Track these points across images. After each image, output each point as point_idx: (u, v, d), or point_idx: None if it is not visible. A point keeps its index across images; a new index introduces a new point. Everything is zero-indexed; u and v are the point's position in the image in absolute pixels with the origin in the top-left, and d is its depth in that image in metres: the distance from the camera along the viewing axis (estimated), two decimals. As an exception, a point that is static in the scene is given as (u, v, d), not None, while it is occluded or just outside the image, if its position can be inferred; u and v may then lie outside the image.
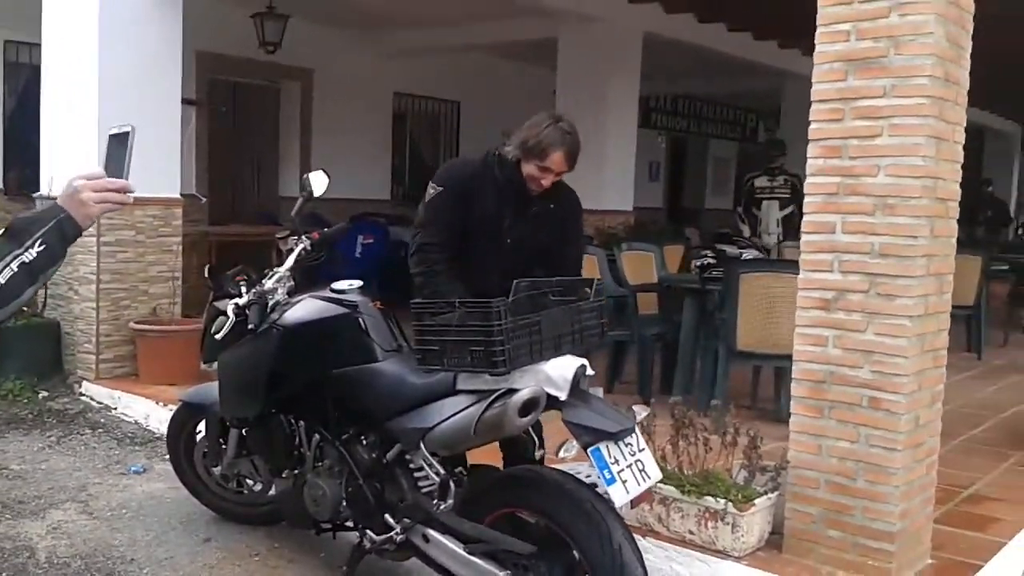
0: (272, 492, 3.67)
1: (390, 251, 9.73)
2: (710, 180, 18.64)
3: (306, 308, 3.28)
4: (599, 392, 2.98)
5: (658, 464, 3.22)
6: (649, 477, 2.79)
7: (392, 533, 3.13)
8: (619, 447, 2.74)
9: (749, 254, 6.29)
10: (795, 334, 3.40)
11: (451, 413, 2.85)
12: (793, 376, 3.41)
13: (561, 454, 2.72)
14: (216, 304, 3.45)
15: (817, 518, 3.35)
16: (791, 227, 8.17)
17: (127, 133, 1.82)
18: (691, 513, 3.46)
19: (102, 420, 5.48)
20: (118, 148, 1.82)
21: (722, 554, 3.40)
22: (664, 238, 8.50)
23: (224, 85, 10.68)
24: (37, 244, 1.73)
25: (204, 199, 8.00)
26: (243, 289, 3.34)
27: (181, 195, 6.49)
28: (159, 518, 4.03)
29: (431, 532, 3.06)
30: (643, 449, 2.81)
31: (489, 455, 3.21)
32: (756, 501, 3.39)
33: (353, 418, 3.25)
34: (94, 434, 5.22)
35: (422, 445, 2.95)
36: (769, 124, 16.88)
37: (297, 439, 3.43)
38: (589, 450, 2.68)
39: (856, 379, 3.25)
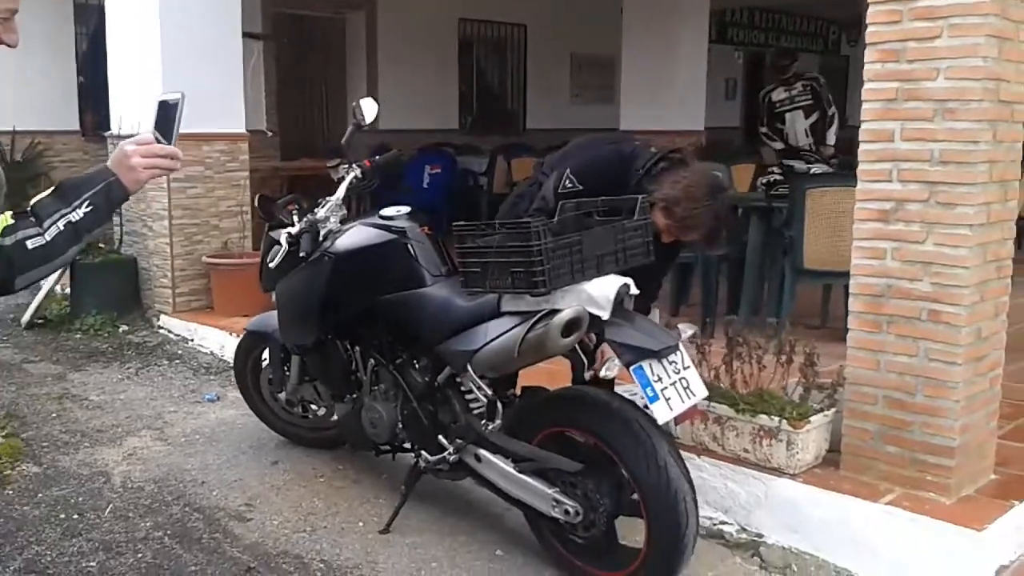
0: (335, 416, 3.78)
1: (457, 180, 9.76)
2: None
3: (355, 235, 3.31)
4: (687, 330, 2.95)
5: (709, 383, 3.22)
6: (694, 394, 2.78)
7: (445, 454, 3.20)
8: (663, 365, 2.73)
9: (817, 169, 6.09)
10: (853, 247, 3.31)
11: (495, 335, 2.88)
12: (851, 291, 3.33)
13: (603, 373, 2.73)
14: (271, 234, 3.51)
15: (875, 434, 3.30)
16: (820, 135, 7.63)
17: (177, 101, 1.85)
18: (745, 431, 3.44)
19: (179, 352, 5.69)
20: (167, 114, 1.85)
21: (777, 472, 3.38)
22: (739, 158, 8.28)
23: (289, 18, 10.71)
24: (85, 205, 1.76)
25: (271, 133, 8.08)
26: (295, 218, 3.39)
27: (247, 131, 6.58)
28: (230, 443, 4.19)
29: (483, 452, 3.12)
30: (688, 367, 2.80)
31: (546, 377, 3.23)
32: (811, 418, 3.35)
33: (405, 342, 3.31)
34: (171, 365, 5.42)
35: (469, 367, 2.99)
36: (851, 36, 16.24)
37: (354, 364, 3.51)
38: (631, 368, 2.67)
39: (915, 292, 3.15)
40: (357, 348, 3.47)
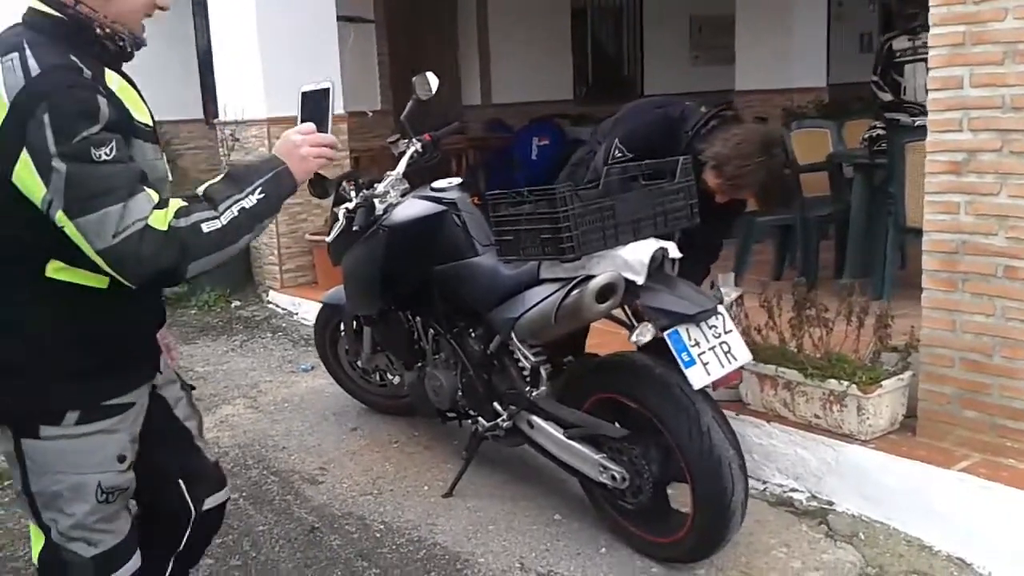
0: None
1: (567, 151, 9.69)
2: (929, 48, 17.05)
3: (407, 208, 3.37)
4: (732, 293, 2.88)
5: (777, 347, 3.12)
6: (736, 359, 2.70)
7: (499, 420, 3.23)
8: (701, 329, 2.67)
9: (922, 122, 5.72)
10: (924, 202, 3.13)
11: (535, 302, 2.88)
12: (924, 248, 3.16)
13: (633, 338, 2.68)
14: (333, 209, 3.61)
15: (952, 398, 3.12)
16: None
17: (327, 90, 1.87)
18: (815, 397, 3.32)
19: (283, 325, 5.93)
20: (316, 104, 1.86)
21: (848, 438, 3.25)
22: (864, 114, 7.87)
23: (401, -1, 10.88)
24: (257, 191, 1.71)
25: (371, 113, 8.24)
26: (352, 194, 3.47)
27: (347, 112, 6.75)
28: (316, 411, 4.35)
29: (535, 418, 3.13)
30: (731, 331, 2.73)
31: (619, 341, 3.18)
32: (883, 383, 3.20)
33: (460, 312, 3.34)
34: (274, 337, 5.66)
35: (512, 335, 3.00)
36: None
37: (416, 334, 3.58)
38: (666, 333, 2.63)
39: (990, 247, 2.95)
40: (418, 318, 3.54)
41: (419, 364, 3.61)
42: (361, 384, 4.24)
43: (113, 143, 1.64)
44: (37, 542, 1.95)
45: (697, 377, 2.61)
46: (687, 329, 2.64)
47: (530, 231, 2.73)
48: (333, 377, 4.35)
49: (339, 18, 6.73)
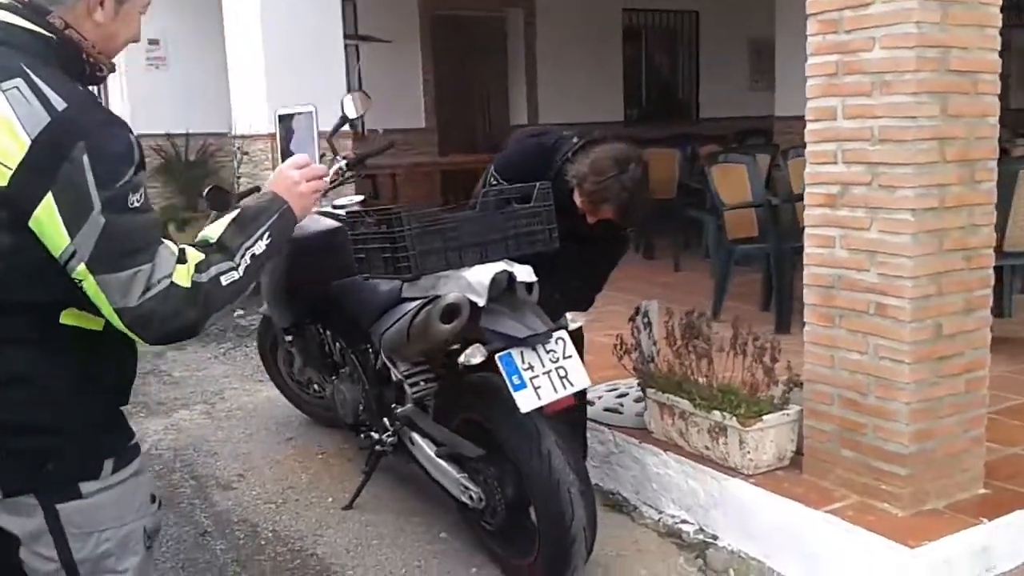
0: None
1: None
2: (1014, 76, 16.40)
3: (308, 224, 3.47)
4: (577, 320, 2.90)
5: (676, 376, 3.12)
6: (572, 384, 2.72)
7: (384, 435, 3.31)
8: (538, 353, 2.70)
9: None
10: (804, 234, 3.09)
11: (394, 320, 2.95)
12: (804, 281, 3.11)
13: (461, 359, 2.72)
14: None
15: (832, 436, 3.06)
16: None
17: (310, 113, 1.88)
18: (704, 428, 3.29)
19: (273, 335, 6.12)
20: (299, 128, 1.86)
21: (733, 472, 3.21)
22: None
23: (448, 20, 11.09)
24: (265, 236, 1.64)
25: (381, 131, 8.43)
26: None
27: (362, 131, 6.94)
28: (261, 419, 4.50)
29: (414, 435, 3.20)
30: (570, 356, 2.75)
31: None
32: (765, 417, 3.15)
33: (356, 326, 3.43)
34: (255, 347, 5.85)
35: (381, 351, 3.08)
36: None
37: (327, 347, 3.69)
38: (497, 356, 2.66)
39: (862, 283, 2.89)
40: (328, 332, 3.64)
41: (333, 377, 3.72)
42: (300, 395, 4.36)
43: (143, 188, 1.52)
44: None
45: (525, 400, 2.63)
46: (521, 352, 2.67)
47: (375, 250, 2.80)
48: (277, 387, 4.49)
49: (352, 37, 6.95)
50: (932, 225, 2.77)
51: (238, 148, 6.67)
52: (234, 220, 1.64)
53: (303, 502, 3.59)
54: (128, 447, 1.71)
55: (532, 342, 2.66)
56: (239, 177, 6.50)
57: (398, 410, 3.12)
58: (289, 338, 3.93)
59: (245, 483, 3.77)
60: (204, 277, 1.53)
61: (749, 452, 3.15)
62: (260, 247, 1.63)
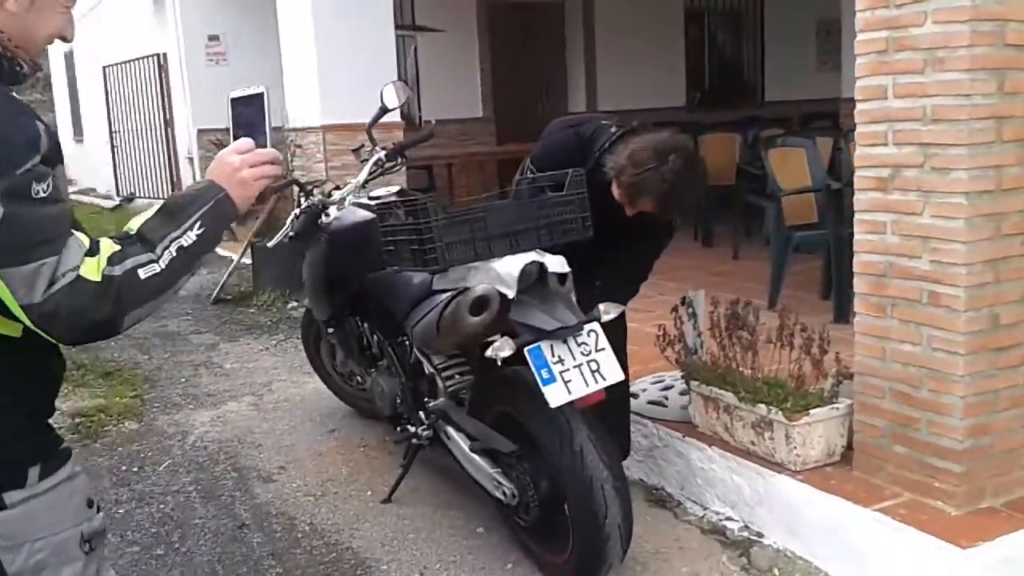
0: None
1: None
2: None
3: (345, 216, 3.44)
4: (610, 311, 2.77)
5: (721, 367, 3.01)
6: (604, 378, 2.63)
7: (420, 428, 3.26)
8: (568, 346, 2.61)
9: None
10: (855, 220, 2.94)
11: (424, 313, 2.89)
12: (855, 269, 2.96)
13: (489, 353, 2.64)
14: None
15: (884, 432, 2.91)
16: None
17: (260, 95, 1.72)
18: (749, 422, 3.17)
19: (324, 326, 6.13)
20: (250, 112, 1.69)
21: (780, 467, 3.08)
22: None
23: (505, 7, 11.01)
24: (196, 227, 1.51)
25: (433, 122, 8.38)
26: (301, 200, 3.58)
27: (406, 120, 6.91)
28: (306, 411, 4.50)
29: (449, 428, 3.14)
30: (602, 349, 2.65)
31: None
32: (812, 411, 3.02)
33: (392, 318, 3.39)
34: (305, 339, 5.87)
35: (414, 344, 3.02)
36: None
37: (365, 339, 3.65)
38: (527, 349, 2.58)
39: (915, 271, 2.74)
40: (366, 324, 3.61)
41: (372, 369, 3.68)
42: (344, 387, 4.34)
43: (51, 179, 1.43)
44: None
45: (555, 395, 2.55)
46: (551, 346, 2.58)
47: (403, 241, 2.75)
48: (322, 379, 4.48)
49: (407, 26, 6.92)
50: (988, 209, 2.61)
51: (291, 141, 6.69)
52: (160, 209, 1.54)
53: (342, 495, 3.57)
54: (56, 452, 1.62)
55: (562, 335, 2.58)
56: (292, 170, 6.51)
57: (430, 404, 3.06)
58: (330, 330, 3.91)
59: (286, 475, 3.77)
60: (118, 270, 1.43)
61: (796, 447, 3.03)
62: (189, 238, 1.50)
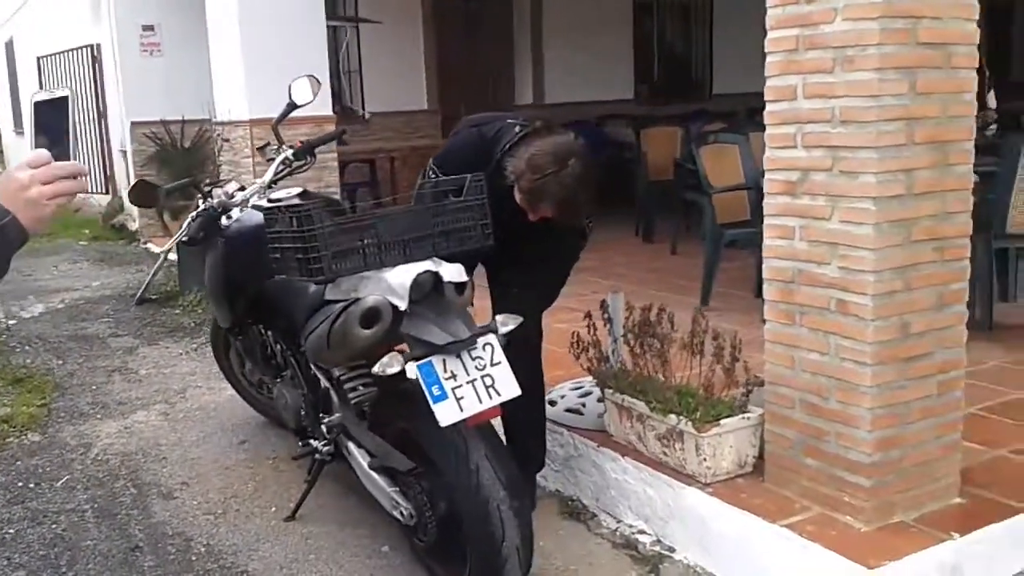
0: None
1: (602, 151, 9.43)
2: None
3: (244, 219, 3.28)
4: (508, 324, 2.62)
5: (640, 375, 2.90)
6: (499, 393, 2.50)
7: (320, 443, 3.12)
8: (462, 361, 2.48)
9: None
10: (764, 226, 2.84)
11: (317, 324, 2.74)
12: (764, 276, 2.86)
13: (376, 369, 2.50)
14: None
15: (795, 443, 2.82)
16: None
17: (64, 98, 1.47)
18: (661, 432, 3.06)
19: (250, 329, 5.94)
20: (52, 118, 1.46)
21: (690, 479, 2.98)
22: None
23: (451, -3, 10.83)
24: None
25: (367, 115, 8.21)
26: (199, 202, 3.41)
27: (346, 114, 6.73)
28: (218, 421, 4.32)
29: (351, 444, 3.00)
30: (498, 363, 2.52)
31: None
32: (724, 421, 2.92)
33: (292, 326, 3.23)
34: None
35: (308, 357, 2.88)
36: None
37: (269, 348, 3.49)
38: (417, 365, 2.44)
39: (823, 278, 2.64)
40: (270, 332, 3.45)
41: (278, 380, 3.53)
42: (256, 395, 4.18)
43: None
44: None
45: (446, 413, 2.41)
46: (443, 360, 2.45)
47: (289, 249, 2.59)
48: (233, 387, 4.30)
49: (342, 17, 6.72)
50: (897, 214, 2.52)
51: (219, 135, 6.49)
52: None
53: (244, 512, 3.41)
54: None
55: (454, 349, 2.44)
56: (219, 165, 6.31)
57: (325, 419, 2.92)
58: (237, 338, 3.75)
59: (188, 491, 3.59)
60: None
61: (706, 459, 2.92)
62: None
